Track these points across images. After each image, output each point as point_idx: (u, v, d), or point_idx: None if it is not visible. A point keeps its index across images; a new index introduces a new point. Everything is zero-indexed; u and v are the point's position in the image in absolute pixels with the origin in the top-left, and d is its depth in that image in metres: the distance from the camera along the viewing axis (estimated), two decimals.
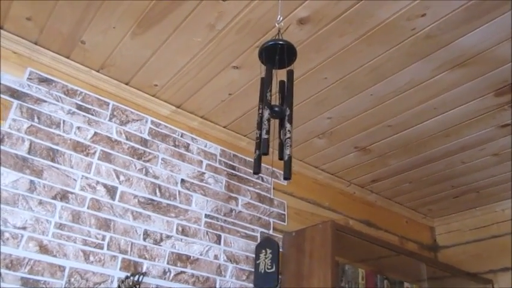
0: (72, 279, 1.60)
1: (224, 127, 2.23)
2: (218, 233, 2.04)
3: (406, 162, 2.46)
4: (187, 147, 2.10)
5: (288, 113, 1.24)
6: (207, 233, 2.00)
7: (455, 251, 3.00)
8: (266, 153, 1.15)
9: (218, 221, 2.06)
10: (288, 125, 1.22)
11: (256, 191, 2.27)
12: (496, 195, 2.75)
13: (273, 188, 2.36)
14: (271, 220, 2.26)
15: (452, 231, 3.08)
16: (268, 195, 2.31)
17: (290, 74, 1.33)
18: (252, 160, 2.32)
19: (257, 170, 1.18)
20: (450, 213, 3.05)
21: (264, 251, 1.24)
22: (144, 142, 1.97)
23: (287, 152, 1.17)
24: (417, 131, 2.16)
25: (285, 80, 1.35)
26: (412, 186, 2.72)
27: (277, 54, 1.30)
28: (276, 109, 1.24)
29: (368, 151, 2.36)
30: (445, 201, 2.88)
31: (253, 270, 2.06)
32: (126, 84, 1.96)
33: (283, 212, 2.34)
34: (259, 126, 1.21)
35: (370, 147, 2.33)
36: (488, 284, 2.71)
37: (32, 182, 1.63)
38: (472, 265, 2.81)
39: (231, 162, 2.24)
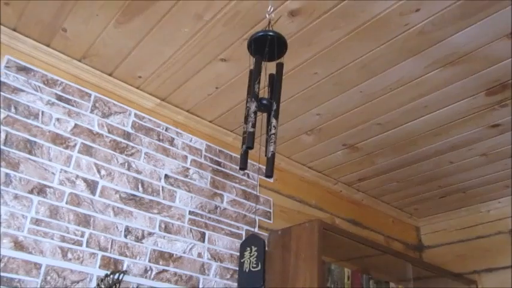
0: (49, 277, 1.53)
1: (210, 122, 2.17)
2: (202, 230, 1.98)
3: (394, 161, 2.43)
4: (171, 142, 2.04)
5: (274, 107, 1.20)
6: (190, 231, 1.94)
7: (440, 252, 3.00)
8: (251, 148, 1.10)
9: (202, 218, 2.00)
10: (273, 121, 1.17)
11: (242, 187, 2.22)
12: (482, 195, 2.75)
13: (259, 185, 2.31)
14: (257, 218, 2.21)
15: (437, 231, 3.07)
16: (254, 193, 2.26)
17: (280, 67, 1.28)
18: (238, 156, 2.27)
19: (243, 166, 1.13)
20: (436, 213, 3.04)
21: (248, 248, 1.19)
22: (126, 135, 1.91)
23: (271, 148, 1.13)
24: (406, 129, 2.13)
25: (274, 73, 1.30)
26: (399, 185, 2.69)
27: (267, 46, 1.26)
28: (264, 102, 1.19)
29: (356, 149, 2.33)
30: (431, 201, 2.87)
31: (237, 269, 2.01)
32: (109, 75, 1.89)
33: (269, 210, 2.29)
34: (246, 120, 1.16)
35: (358, 145, 2.29)
36: (473, 285, 2.70)
37: (7, 175, 1.55)
38: (456, 265, 2.80)
39: (216, 158, 2.18)
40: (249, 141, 1.10)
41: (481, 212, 2.85)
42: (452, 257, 2.90)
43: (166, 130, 2.04)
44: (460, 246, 2.89)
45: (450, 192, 2.73)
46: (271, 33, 1.24)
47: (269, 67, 1.31)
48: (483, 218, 2.84)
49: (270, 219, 2.27)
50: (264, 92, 1.38)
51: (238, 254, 2.04)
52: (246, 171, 2.26)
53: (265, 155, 1.12)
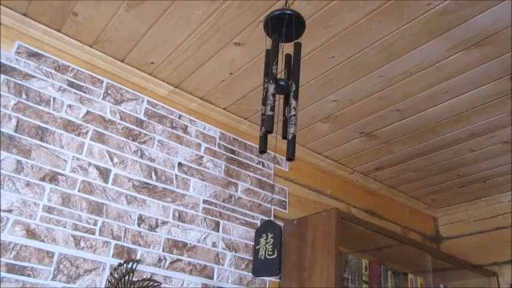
0: (62, 266, 1.50)
1: (224, 109, 2.13)
2: (216, 219, 1.94)
3: (412, 150, 2.36)
4: (185, 130, 2.00)
5: (293, 88, 1.15)
6: (204, 220, 1.91)
7: (458, 242, 2.92)
8: (270, 131, 1.06)
9: (217, 207, 1.97)
10: (293, 102, 1.13)
11: (257, 176, 2.17)
12: (503, 185, 2.67)
13: (274, 174, 2.26)
14: (272, 207, 2.17)
15: (455, 222, 3.00)
16: (269, 182, 2.21)
17: (297, 46, 1.23)
18: (253, 144, 2.23)
19: (263, 149, 1.09)
20: (454, 204, 2.97)
21: (264, 235, 1.15)
22: (139, 123, 1.87)
23: (291, 130, 1.08)
24: (426, 116, 2.06)
25: (291, 54, 1.25)
26: (416, 175, 2.62)
27: (285, 26, 1.21)
28: (282, 83, 1.14)
29: (373, 137, 2.27)
30: (449, 191, 2.80)
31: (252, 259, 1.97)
32: (121, 61, 1.85)
33: (284, 199, 2.25)
34: (264, 101, 1.12)
35: (376, 132, 2.23)
36: (493, 277, 2.63)
37: (19, 162, 1.53)
38: (475, 257, 2.73)
39: (230, 146, 2.14)
40: (268, 124, 1.05)
41: (501, 202, 2.77)
42: (471, 248, 2.82)
43: (179, 118, 2.00)
44: (480, 238, 2.82)
45: (470, 182, 2.66)
46: (288, 12, 1.19)
47: (285, 49, 1.26)
48: (504, 208, 2.76)
49: (285, 209, 2.22)
50: (281, 75, 1.33)
51: (253, 244, 2.00)
52: (261, 159, 2.22)
53: (283, 137, 1.08)
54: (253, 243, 1.99)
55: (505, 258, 2.65)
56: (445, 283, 2.66)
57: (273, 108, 1.08)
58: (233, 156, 2.13)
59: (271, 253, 1.16)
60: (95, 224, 1.62)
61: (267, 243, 1.16)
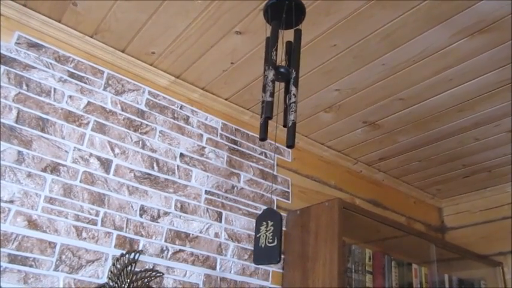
0: (64, 257, 1.50)
1: (226, 99, 2.11)
2: (219, 210, 1.94)
3: (416, 139, 2.34)
4: (186, 120, 1.99)
5: (293, 75, 1.14)
6: (207, 210, 1.90)
7: (463, 233, 2.91)
8: (270, 117, 1.05)
9: (219, 198, 1.96)
10: (293, 89, 1.12)
11: (259, 167, 2.16)
12: (508, 175, 2.64)
13: (277, 165, 2.25)
14: (275, 198, 2.16)
15: (460, 212, 2.98)
16: (272, 172, 2.20)
17: (298, 33, 1.21)
18: (255, 135, 2.22)
19: (263, 136, 1.08)
20: (459, 194, 2.95)
21: (264, 223, 1.14)
22: (141, 113, 1.86)
23: (291, 117, 1.08)
24: (430, 104, 2.03)
25: (292, 41, 1.24)
26: (421, 164, 2.60)
27: (284, 13, 1.19)
28: (282, 70, 1.13)
29: (377, 126, 2.25)
30: (454, 181, 2.78)
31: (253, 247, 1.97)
32: (122, 51, 1.84)
33: (287, 190, 2.24)
34: (264, 88, 1.11)
35: (379, 122, 2.21)
36: (498, 267, 2.62)
37: (20, 152, 1.52)
38: (480, 247, 2.71)
39: (233, 137, 2.13)
40: (267, 110, 1.04)
41: (507, 192, 2.75)
42: (476, 238, 2.81)
43: (181, 108, 1.99)
44: (485, 228, 2.80)
45: (474, 172, 2.63)
46: None
47: (286, 37, 1.25)
48: (509, 198, 2.73)
49: (288, 200, 2.21)
50: (282, 63, 1.31)
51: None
52: (263, 150, 2.20)
53: (284, 125, 1.07)
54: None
55: (510, 248, 2.63)
56: (450, 273, 2.65)
57: (272, 94, 1.07)
58: (235, 146, 2.12)
59: (271, 241, 1.16)
60: (97, 214, 1.62)
61: (267, 231, 1.15)
